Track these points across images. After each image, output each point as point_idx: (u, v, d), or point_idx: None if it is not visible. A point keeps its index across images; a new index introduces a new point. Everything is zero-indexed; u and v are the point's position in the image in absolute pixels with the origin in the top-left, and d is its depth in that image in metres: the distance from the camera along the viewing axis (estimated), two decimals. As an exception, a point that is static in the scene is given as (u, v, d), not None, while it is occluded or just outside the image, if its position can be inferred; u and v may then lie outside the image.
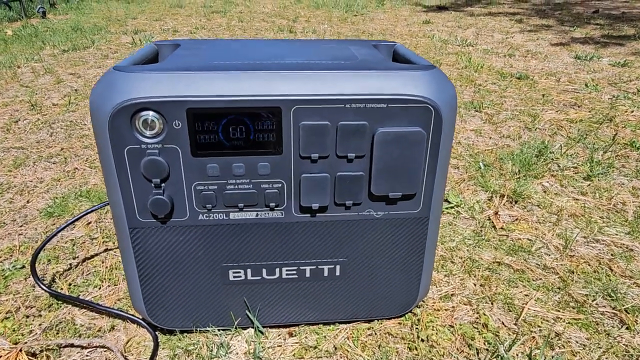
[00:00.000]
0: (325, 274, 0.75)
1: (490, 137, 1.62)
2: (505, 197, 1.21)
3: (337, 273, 0.75)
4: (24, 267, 0.97)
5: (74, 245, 1.05)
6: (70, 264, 0.98)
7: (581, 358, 0.74)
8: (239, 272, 0.73)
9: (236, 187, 0.66)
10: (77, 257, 1.01)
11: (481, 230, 1.08)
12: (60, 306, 0.86)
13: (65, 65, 2.62)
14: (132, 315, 0.82)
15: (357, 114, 0.63)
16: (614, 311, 0.84)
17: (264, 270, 0.73)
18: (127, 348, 0.77)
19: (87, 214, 0.90)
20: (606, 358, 0.74)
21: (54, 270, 0.96)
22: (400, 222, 0.72)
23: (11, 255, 1.01)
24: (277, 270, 0.74)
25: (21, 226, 1.12)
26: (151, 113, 0.60)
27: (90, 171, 1.40)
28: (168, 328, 0.77)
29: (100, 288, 0.91)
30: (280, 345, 0.77)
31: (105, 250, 1.03)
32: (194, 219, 0.68)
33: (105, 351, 0.76)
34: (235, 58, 0.71)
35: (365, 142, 0.64)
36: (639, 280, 0.92)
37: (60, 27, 3.84)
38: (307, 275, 0.75)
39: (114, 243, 1.05)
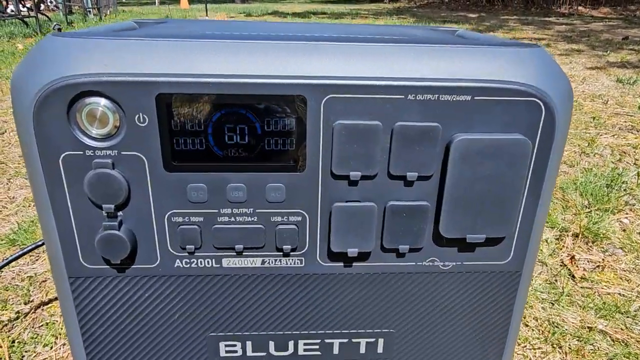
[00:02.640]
0: (362, 350, 0.51)
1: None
2: (579, 236, 0.96)
3: (380, 350, 0.51)
4: (-39, 312, 0.75)
5: (31, 284, 0.82)
6: (19, 312, 0.75)
7: None
8: (234, 346, 0.49)
9: (233, 219, 0.43)
10: (32, 300, 0.78)
11: (556, 280, 0.83)
12: (-8, 375, 0.63)
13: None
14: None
15: (425, 110, 0.40)
16: None
17: (272, 344, 0.49)
18: None
19: (17, 258, 0.67)
20: None
21: (-3, 320, 0.73)
22: (479, 277, 0.48)
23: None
24: (291, 343, 0.50)
25: (-27, 257, 0.90)
26: (102, 101, 0.38)
27: None
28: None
29: (52, 348, 0.68)
30: None
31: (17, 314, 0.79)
32: (168, 266, 0.44)
33: None
34: (239, 31, 0.49)
35: (436, 155, 0.41)
36: None
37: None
38: (336, 352, 0.50)
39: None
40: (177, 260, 0.44)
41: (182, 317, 0.47)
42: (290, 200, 0.42)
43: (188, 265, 0.45)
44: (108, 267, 0.44)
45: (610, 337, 0.70)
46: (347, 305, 0.48)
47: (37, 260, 0.89)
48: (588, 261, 0.89)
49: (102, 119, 0.38)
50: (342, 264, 0.46)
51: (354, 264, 0.46)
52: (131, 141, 0.39)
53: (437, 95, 0.40)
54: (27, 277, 0.84)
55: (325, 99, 0.39)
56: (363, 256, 0.45)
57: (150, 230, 0.43)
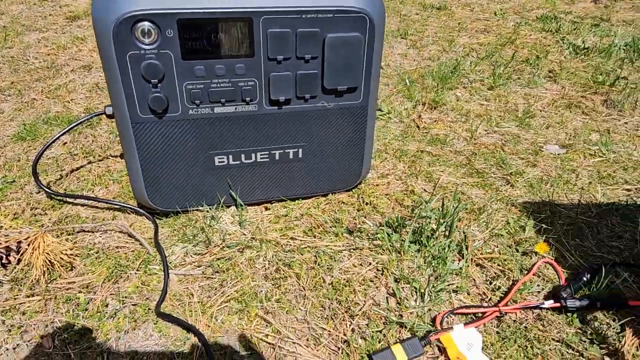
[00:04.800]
0: (291, 156, 0.95)
1: (415, 60, 1.86)
2: (426, 104, 1.47)
3: (300, 155, 0.96)
4: (14, 181, 1.08)
5: (57, 161, 1.16)
6: (61, 174, 1.11)
7: (477, 204, 1.02)
8: (222, 158, 0.92)
9: (219, 85, 0.83)
10: (64, 169, 1.13)
11: (408, 130, 1.33)
12: (63, 205, 1.01)
13: (-18, 2, 2.47)
14: (131, 205, 0.99)
15: (311, 23, 0.81)
16: (503, 175, 1.13)
17: (242, 156, 0.92)
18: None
19: (87, 119, 1.01)
20: (494, 203, 1.03)
21: (47, 181, 1.08)
22: (347, 111, 0.93)
23: (-1, 173, 1.12)
24: (253, 155, 0.93)
25: (-2, 150, 1.21)
26: (147, 23, 0.74)
27: (50, 101, 1.46)
28: (166, 210, 0.95)
29: (93, 191, 1.06)
30: (258, 216, 0.98)
31: (89, 162, 1.16)
32: (185, 113, 0.84)
33: (114, 232, 0.93)
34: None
35: (318, 46, 0.83)
36: (522, 155, 1.22)
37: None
38: (277, 158, 0.95)
39: (94, 157, 1.18)
40: (190, 110, 0.84)
41: (194, 143, 0.88)
42: (248, 73, 0.83)
43: (196, 112, 0.85)
44: (153, 116, 0.83)
45: (431, 154, 1.22)
46: (282, 130, 0.91)
47: (52, 149, 1.22)
48: (429, 118, 1.41)
49: (149, 33, 0.75)
50: (277, 107, 0.88)
51: (283, 107, 0.89)
52: (165, 45, 0.77)
53: (316, 15, 0.81)
54: (51, 158, 1.17)
55: (262, 18, 0.79)
56: (287, 102, 0.88)
57: (175, 93, 0.82)
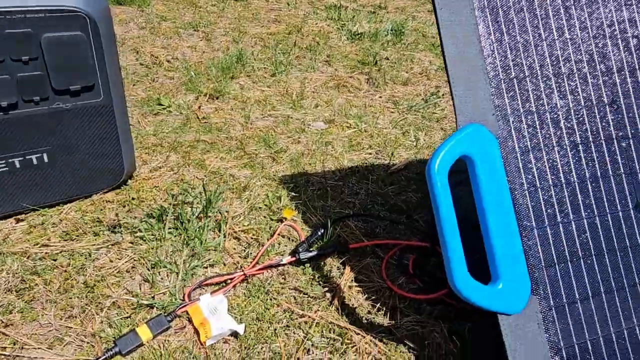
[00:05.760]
0: (35, 162, 0.92)
1: (204, 52, 1.91)
2: (209, 95, 1.53)
3: (46, 160, 0.93)
4: None
5: None
6: None
7: (243, 183, 1.12)
8: (-54, 174, 0.84)
9: None
10: None
11: (187, 122, 1.38)
12: None
13: None
14: None
15: (21, 23, 0.79)
16: (270, 155, 1.26)
17: (-27, 168, 0.86)
18: None
19: None
20: (258, 180, 1.14)
21: None
22: (90, 110, 0.93)
23: None
24: (-14, 166, 0.87)
25: None
26: None
27: None
28: None
29: None
30: (9, 230, 0.93)
31: None
32: None
33: None
34: None
35: (34, 46, 0.81)
36: (290, 134, 1.37)
37: None
38: (18, 166, 0.90)
39: None
40: None
41: None
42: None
43: None
44: None
45: (207, 142, 1.29)
46: (16, 136, 0.87)
47: None
48: (210, 108, 1.47)
49: None
50: (2, 113, 0.84)
51: (9, 112, 0.85)
52: None
53: (25, 15, 0.79)
54: None
55: (-45, 21, 0.74)
56: (12, 106, 0.85)
57: None
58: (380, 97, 1.66)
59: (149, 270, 0.86)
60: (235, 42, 2.03)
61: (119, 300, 0.80)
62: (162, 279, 0.85)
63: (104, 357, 0.69)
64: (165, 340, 0.75)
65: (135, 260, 0.88)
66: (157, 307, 0.79)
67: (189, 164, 1.18)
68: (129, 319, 0.77)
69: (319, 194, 1.12)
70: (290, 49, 1.99)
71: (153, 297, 0.81)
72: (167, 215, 0.97)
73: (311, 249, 0.92)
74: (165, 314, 0.77)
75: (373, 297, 0.86)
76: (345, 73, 1.82)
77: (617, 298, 0.66)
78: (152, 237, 0.93)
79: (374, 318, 0.82)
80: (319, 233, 0.97)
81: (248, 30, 2.19)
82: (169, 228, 0.94)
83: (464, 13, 0.65)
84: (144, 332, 0.73)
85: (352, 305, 0.84)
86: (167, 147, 1.24)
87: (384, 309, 0.84)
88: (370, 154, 1.30)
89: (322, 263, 0.92)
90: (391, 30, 2.33)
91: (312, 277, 0.89)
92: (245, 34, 2.13)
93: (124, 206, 1.02)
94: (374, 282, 0.89)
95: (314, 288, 0.86)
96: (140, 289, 0.83)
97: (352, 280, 0.88)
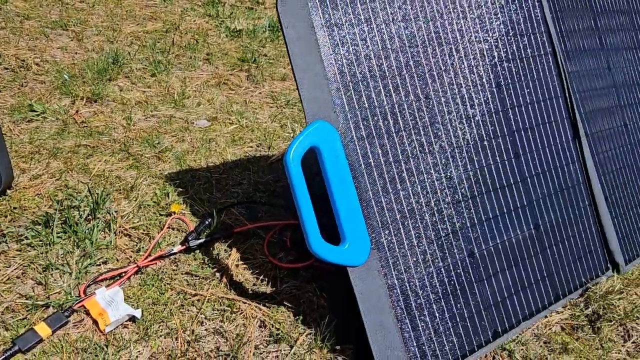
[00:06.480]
0: None
1: (76, 53, 1.86)
2: (86, 99, 1.53)
3: None
4: None
5: None
6: None
7: (130, 183, 1.18)
8: None
9: None
10: None
11: (65, 127, 1.38)
12: None
13: None
14: None
15: None
16: (155, 155, 1.32)
17: None
18: None
19: None
20: (144, 179, 1.21)
21: None
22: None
23: None
24: None
25: None
26: None
27: None
28: None
29: None
30: None
31: None
32: None
33: None
34: None
35: None
36: (174, 133, 1.44)
37: None
38: None
39: None
40: None
41: None
42: None
43: None
44: None
45: (89, 146, 1.31)
46: None
47: None
48: (89, 112, 1.48)
49: None
50: None
51: None
52: None
53: None
54: None
55: None
56: None
57: None
58: (260, 93, 1.79)
59: (40, 273, 0.90)
60: (109, 41, 2.00)
61: (13, 304, 0.83)
62: (55, 280, 0.90)
63: (4, 357, 0.74)
64: (65, 334, 0.81)
65: (24, 266, 0.91)
66: (53, 306, 0.84)
67: (71, 170, 1.20)
68: (25, 320, 0.81)
69: (205, 187, 1.22)
70: (169, 48, 2.02)
71: (48, 297, 0.86)
72: (53, 221, 1.00)
73: (200, 237, 1.03)
74: (62, 311, 0.83)
75: (257, 272, 1.00)
76: (225, 71, 1.91)
77: (435, 246, 0.88)
78: (40, 242, 0.96)
79: (258, 288, 0.96)
80: (207, 222, 1.08)
81: (122, 28, 2.16)
82: (58, 232, 0.98)
83: (306, 30, 0.80)
84: (43, 329, 0.79)
85: (239, 280, 0.97)
86: (46, 154, 1.24)
87: (267, 279, 0.98)
88: (251, 147, 1.43)
89: (211, 248, 1.03)
90: (269, 27, 2.46)
91: (202, 261, 1.00)
92: (120, 33, 2.10)
93: (6, 216, 1.02)
94: (258, 259, 1.03)
95: (204, 270, 0.98)
96: (33, 291, 0.87)
97: (238, 260, 1.01)
